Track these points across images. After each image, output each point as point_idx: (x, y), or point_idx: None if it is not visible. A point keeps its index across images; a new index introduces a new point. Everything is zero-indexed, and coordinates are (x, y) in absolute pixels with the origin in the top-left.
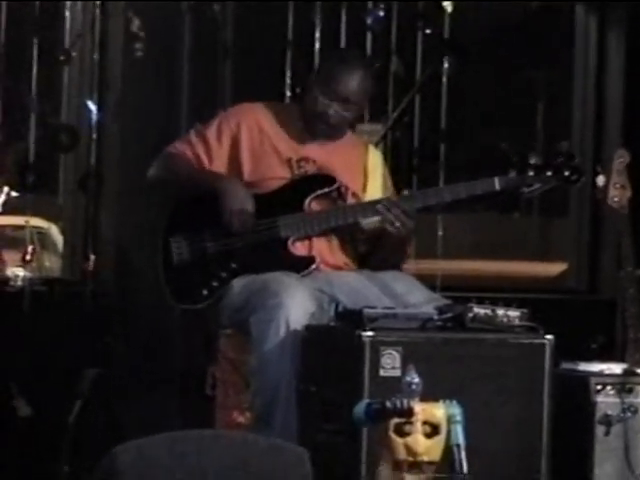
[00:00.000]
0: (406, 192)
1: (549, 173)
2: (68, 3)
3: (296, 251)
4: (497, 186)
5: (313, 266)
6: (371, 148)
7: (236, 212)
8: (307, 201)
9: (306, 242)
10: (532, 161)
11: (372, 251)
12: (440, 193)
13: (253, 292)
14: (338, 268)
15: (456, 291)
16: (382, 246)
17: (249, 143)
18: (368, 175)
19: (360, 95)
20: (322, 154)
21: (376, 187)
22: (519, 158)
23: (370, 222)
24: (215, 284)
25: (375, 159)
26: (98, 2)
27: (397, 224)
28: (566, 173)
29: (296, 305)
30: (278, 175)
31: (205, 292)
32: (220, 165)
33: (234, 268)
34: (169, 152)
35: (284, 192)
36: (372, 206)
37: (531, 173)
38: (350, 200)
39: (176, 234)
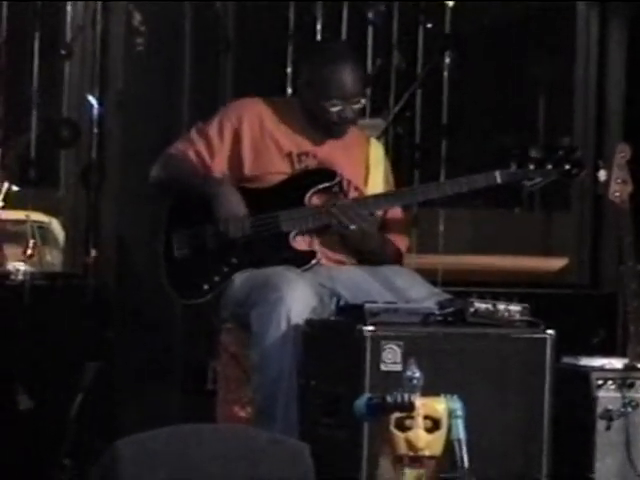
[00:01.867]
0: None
1: (550, 166)
2: None
3: (297, 246)
4: (499, 179)
5: (314, 261)
6: (373, 141)
7: (228, 219)
8: (308, 196)
9: (307, 237)
10: (533, 154)
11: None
12: (442, 187)
13: (254, 286)
14: (339, 263)
15: (457, 286)
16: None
17: (250, 137)
18: (370, 168)
19: (361, 83)
20: (323, 148)
21: (378, 180)
22: (520, 151)
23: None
24: (216, 278)
25: (377, 152)
26: None
27: (352, 226)
28: (567, 167)
29: (297, 299)
30: (279, 169)
31: (206, 286)
32: (221, 160)
33: (235, 262)
34: (170, 153)
35: (285, 187)
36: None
37: (532, 166)
38: (352, 194)
39: (178, 228)
